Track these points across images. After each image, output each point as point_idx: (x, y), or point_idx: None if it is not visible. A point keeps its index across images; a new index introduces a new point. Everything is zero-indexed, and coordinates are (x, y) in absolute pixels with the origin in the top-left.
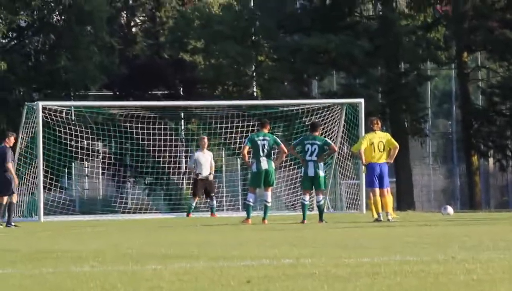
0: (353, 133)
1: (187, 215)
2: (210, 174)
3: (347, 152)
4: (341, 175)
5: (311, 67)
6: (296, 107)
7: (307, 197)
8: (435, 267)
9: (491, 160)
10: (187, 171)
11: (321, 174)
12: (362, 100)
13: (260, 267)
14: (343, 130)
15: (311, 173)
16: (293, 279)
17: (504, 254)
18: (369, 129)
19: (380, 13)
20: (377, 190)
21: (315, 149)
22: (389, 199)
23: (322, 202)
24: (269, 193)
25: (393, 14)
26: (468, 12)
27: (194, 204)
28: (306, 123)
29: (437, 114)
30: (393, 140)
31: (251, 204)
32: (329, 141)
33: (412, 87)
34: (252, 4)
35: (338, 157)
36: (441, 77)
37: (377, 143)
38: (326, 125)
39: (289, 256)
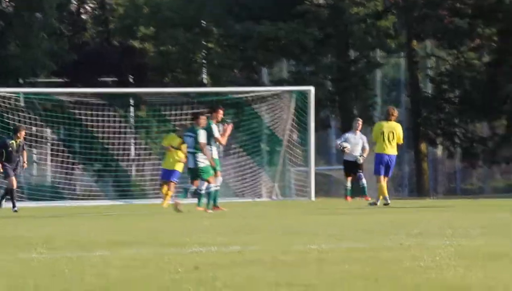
0: (302, 121)
1: (346, 198)
2: (360, 156)
3: (296, 139)
4: (290, 162)
5: (261, 55)
6: (245, 95)
7: (194, 186)
8: (383, 254)
9: (439, 147)
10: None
11: (201, 164)
12: (311, 88)
13: (208, 254)
14: (292, 117)
15: (190, 164)
16: (240, 266)
17: (450, 241)
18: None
19: (331, 1)
20: (382, 177)
21: (191, 141)
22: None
23: (202, 191)
24: (199, 182)
25: (343, 2)
26: (418, 1)
27: (349, 184)
28: (255, 110)
29: (387, 102)
30: (401, 136)
31: (202, 191)
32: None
33: (362, 75)
34: None
35: (287, 144)
36: (391, 65)
37: (387, 134)
38: (276, 112)
39: (237, 243)
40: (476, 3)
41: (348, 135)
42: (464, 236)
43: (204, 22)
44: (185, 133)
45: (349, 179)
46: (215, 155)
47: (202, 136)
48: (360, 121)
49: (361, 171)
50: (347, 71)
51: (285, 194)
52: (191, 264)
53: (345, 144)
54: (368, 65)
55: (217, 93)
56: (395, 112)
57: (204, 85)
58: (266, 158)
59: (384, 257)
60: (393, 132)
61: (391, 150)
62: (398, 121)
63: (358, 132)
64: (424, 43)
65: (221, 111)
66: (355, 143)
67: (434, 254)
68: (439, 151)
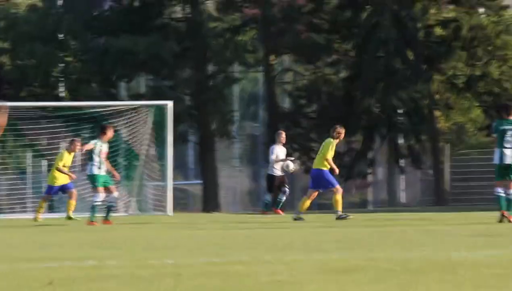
0: (160, 135)
1: (265, 213)
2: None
3: (154, 153)
4: (148, 177)
5: (119, 69)
6: (103, 109)
7: None
8: (240, 268)
9: (296, 162)
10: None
11: None
12: (170, 102)
13: (62, 268)
14: (150, 132)
15: None
16: (96, 281)
17: (311, 255)
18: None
19: (189, 15)
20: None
21: None
22: (307, 202)
23: None
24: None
25: (201, 16)
26: (276, 16)
27: (269, 199)
28: (112, 125)
29: (245, 117)
30: (326, 149)
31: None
32: None
33: (220, 90)
34: (59, 4)
35: (145, 159)
36: (249, 80)
37: (320, 148)
38: (134, 127)
39: (93, 257)
40: (333, 18)
41: (276, 148)
42: (319, 250)
43: (62, 36)
44: None
45: (271, 194)
46: (99, 171)
47: None
48: (283, 134)
49: (287, 186)
50: (205, 85)
51: (142, 208)
52: (45, 279)
53: (291, 166)
54: (226, 79)
55: (74, 108)
56: (339, 131)
57: (61, 99)
58: (123, 172)
59: (242, 271)
60: (322, 146)
61: (314, 164)
62: (251, 136)
63: (281, 145)
64: (282, 58)
65: (107, 133)
66: (282, 157)
67: (292, 268)
68: (296, 165)
